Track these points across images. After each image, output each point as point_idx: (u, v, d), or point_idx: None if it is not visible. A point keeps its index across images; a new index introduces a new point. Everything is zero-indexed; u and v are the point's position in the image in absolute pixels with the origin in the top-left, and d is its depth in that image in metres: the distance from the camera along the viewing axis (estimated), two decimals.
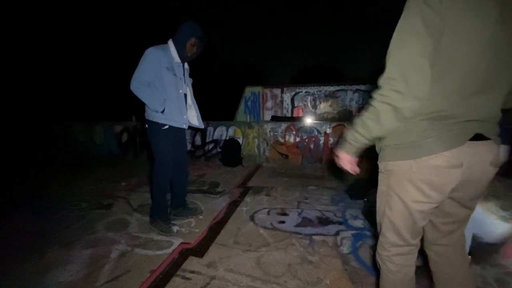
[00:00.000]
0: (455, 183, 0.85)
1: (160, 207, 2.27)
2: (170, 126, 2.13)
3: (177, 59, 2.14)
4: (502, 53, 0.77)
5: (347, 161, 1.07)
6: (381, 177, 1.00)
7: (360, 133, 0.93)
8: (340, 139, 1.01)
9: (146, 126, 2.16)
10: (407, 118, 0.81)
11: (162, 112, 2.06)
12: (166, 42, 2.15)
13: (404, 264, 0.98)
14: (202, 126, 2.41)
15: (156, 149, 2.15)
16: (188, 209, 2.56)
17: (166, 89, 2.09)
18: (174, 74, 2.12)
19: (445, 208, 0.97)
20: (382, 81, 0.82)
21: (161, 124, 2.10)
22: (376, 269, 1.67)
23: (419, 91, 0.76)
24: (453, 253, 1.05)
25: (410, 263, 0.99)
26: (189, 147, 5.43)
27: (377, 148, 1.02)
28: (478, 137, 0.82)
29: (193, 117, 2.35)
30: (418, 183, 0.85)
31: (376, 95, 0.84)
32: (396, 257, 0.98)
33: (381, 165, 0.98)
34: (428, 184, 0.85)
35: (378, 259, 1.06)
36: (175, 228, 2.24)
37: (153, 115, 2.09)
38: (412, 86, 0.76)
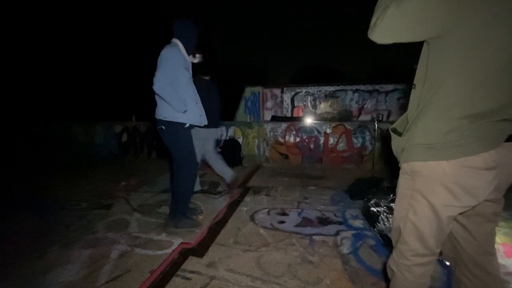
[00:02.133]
0: (490, 186, 0.80)
1: (186, 205, 2.28)
2: (190, 125, 2.15)
3: (187, 57, 2.16)
4: None
5: None
6: (403, 179, 0.94)
7: None
8: None
9: (163, 127, 2.10)
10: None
11: (184, 112, 2.07)
12: (168, 42, 2.14)
13: (423, 274, 0.93)
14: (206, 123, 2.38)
15: (181, 147, 2.16)
16: (188, 209, 2.56)
17: (185, 89, 2.11)
18: (190, 74, 2.17)
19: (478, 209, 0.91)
20: None
21: (182, 123, 2.10)
22: (376, 269, 1.68)
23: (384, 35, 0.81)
24: (491, 281, 0.96)
25: (429, 273, 0.95)
26: None
27: (396, 148, 0.97)
28: (510, 138, 0.80)
29: (203, 114, 2.35)
30: (451, 185, 0.80)
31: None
32: (416, 267, 0.92)
33: (405, 166, 0.92)
34: (462, 186, 0.80)
35: (393, 267, 0.99)
36: (200, 219, 2.38)
37: (173, 116, 2.06)
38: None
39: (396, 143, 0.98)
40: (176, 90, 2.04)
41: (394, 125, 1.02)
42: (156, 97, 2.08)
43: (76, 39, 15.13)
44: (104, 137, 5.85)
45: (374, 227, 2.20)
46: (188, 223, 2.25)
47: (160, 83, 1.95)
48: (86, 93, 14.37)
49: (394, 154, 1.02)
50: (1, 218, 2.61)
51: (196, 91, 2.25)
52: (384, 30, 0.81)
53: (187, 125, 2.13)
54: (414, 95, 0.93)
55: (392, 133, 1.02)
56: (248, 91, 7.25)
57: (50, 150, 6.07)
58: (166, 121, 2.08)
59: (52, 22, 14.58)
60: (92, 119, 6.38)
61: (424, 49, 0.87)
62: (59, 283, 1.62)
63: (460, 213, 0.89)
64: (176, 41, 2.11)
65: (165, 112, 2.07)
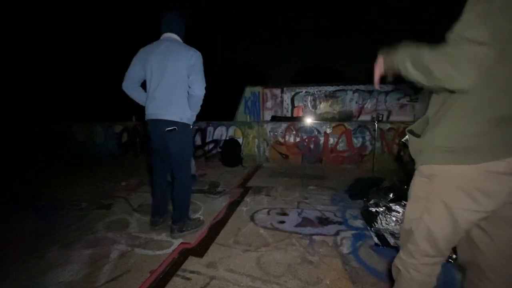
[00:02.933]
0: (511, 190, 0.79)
1: (189, 207, 2.26)
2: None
3: None
4: None
5: (379, 68, 1.01)
6: (419, 181, 0.93)
7: (408, 62, 0.82)
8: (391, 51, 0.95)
9: (175, 128, 2.01)
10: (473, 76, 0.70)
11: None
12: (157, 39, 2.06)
13: (430, 274, 0.94)
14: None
15: (188, 150, 2.18)
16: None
17: None
18: None
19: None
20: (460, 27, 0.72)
21: (189, 124, 2.11)
22: (376, 269, 1.68)
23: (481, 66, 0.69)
24: None
25: (436, 273, 0.95)
26: None
27: (414, 150, 0.96)
28: None
29: None
30: (472, 190, 0.79)
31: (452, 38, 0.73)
32: (424, 267, 0.93)
33: (423, 168, 0.90)
34: (482, 191, 0.79)
35: (399, 266, 0.99)
36: (201, 217, 2.42)
37: (187, 118, 2.04)
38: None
39: (413, 144, 0.97)
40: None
41: (411, 127, 1.01)
42: (175, 97, 1.99)
43: (76, 39, 15.14)
44: (104, 137, 5.86)
45: (371, 226, 2.20)
46: (193, 225, 2.24)
47: (203, 89, 2.01)
48: (86, 93, 14.37)
49: (412, 155, 1.01)
50: (1, 218, 2.60)
51: None
52: (473, 68, 0.71)
53: (191, 126, 2.15)
54: (436, 97, 0.91)
55: (409, 134, 1.01)
56: (248, 91, 7.25)
57: (50, 150, 6.07)
58: (181, 122, 2.02)
59: (52, 22, 14.58)
60: (92, 119, 6.39)
61: None
62: (59, 283, 1.62)
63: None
64: (175, 37, 2.05)
65: (183, 113, 2.02)
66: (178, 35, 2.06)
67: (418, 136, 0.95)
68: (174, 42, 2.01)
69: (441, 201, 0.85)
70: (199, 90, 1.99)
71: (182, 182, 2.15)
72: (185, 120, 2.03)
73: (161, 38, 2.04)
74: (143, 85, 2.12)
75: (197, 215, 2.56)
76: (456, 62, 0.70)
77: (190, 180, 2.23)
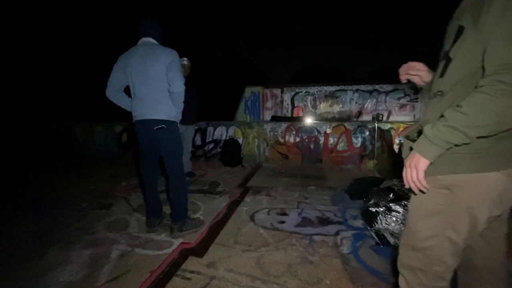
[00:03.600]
0: None
1: (187, 207, 2.27)
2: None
3: None
4: None
5: (422, 170, 0.79)
6: (436, 194, 0.83)
7: (461, 130, 0.69)
8: (408, 138, 0.88)
9: (164, 127, 2.06)
10: None
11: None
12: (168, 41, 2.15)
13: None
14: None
15: (179, 148, 2.19)
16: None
17: None
18: None
19: None
20: (500, 66, 0.65)
21: (176, 122, 2.16)
22: (376, 269, 1.67)
23: None
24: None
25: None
26: None
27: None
28: None
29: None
30: (496, 197, 0.75)
31: (493, 82, 0.66)
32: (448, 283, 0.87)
33: (441, 178, 0.81)
34: (503, 197, 0.76)
35: None
36: (201, 217, 2.43)
37: (173, 115, 2.10)
38: None
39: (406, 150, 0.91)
40: None
41: (408, 133, 0.96)
42: (159, 97, 2.04)
43: (76, 39, 15.14)
44: (104, 137, 5.86)
45: (371, 226, 2.20)
46: (193, 224, 2.24)
47: (182, 89, 2.04)
48: (87, 93, 14.37)
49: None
50: (1, 218, 2.60)
51: None
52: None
53: (178, 124, 2.20)
54: (441, 102, 0.83)
55: (406, 141, 0.94)
56: (248, 91, 7.25)
57: (50, 150, 6.07)
58: (168, 120, 2.07)
59: (53, 22, 14.58)
60: (92, 119, 6.39)
61: (467, 52, 0.77)
62: (59, 283, 1.62)
63: None
64: (152, 40, 2.11)
65: (169, 111, 2.07)
66: (155, 38, 2.12)
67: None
68: (150, 45, 2.07)
69: (467, 213, 0.78)
70: (179, 86, 2.03)
71: (176, 181, 2.17)
72: (172, 118, 2.09)
73: (138, 43, 2.11)
74: (126, 91, 2.20)
75: (197, 215, 2.56)
76: None
77: (184, 178, 2.24)
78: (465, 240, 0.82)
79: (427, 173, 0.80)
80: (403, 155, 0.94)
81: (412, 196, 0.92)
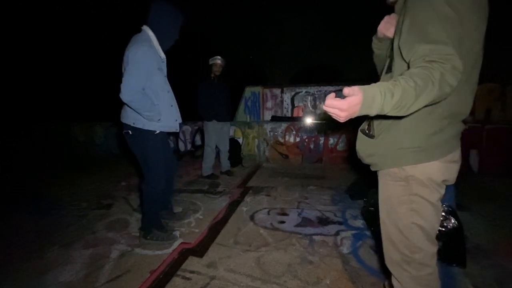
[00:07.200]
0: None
1: (155, 217, 2.08)
2: (160, 132, 1.90)
3: (161, 53, 1.85)
4: (480, 51, 0.82)
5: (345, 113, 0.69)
6: (397, 186, 0.91)
7: (396, 102, 0.67)
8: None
9: (129, 132, 1.83)
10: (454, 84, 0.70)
11: (158, 120, 1.83)
12: (139, 31, 1.81)
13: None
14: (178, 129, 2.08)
15: (148, 157, 1.90)
16: (173, 214, 2.48)
17: (159, 93, 1.83)
18: (163, 74, 1.90)
19: None
20: (424, 50, 0.71)
21: (152, 130, 1.84)
22: (376, 269, 1.67)
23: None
24: None
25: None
26: (189, 147, 5.43)
27: (367, 151, 0.98)
28: None
29: (179, 117, 2.06)
30: (440, 180, 0.87)
31: (423, 63, 0.70)
32: (435, 269, 0.92)
33: (396, 171, 0.90)
34: (445, 179, 0.88)
35: (416, 285, 0.91)
36: (177, 234, 2.13)
37: (142, 122, 1.80)
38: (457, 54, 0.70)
39: (366, 146, 0.99)
40: (149, 97, 1.76)
41: (363, 126, 1.03)
42: None
43: (76, 38, 15.14)
44: (104, 137, 5.86)
45: (371, 226, 2.20)
46: (159, 236, 2.04)
47: (130, 92, 1.64)
48: (86, 93, 14.38)
49: (360, 154, 1.04)
50: (1, 218, 2.61)
51: (171, 91, 1.99)
52: (455, 75, 0.70)
53: (157, 132, 1.87)
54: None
55: (362, 135, 1.02)
56: (248, 91, 7.24)
57: (50, 150, 6.07)
58: (133, 126, 1.81)
59: (52, 21, 14.59)
60: (92, 119, 6.39)
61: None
62: (59, 283, 1.62)
63: None
64: (147, 31, 1.78)
65: (135, 118, 1.80)
66: (152, 27, 1.79)
67: (372, 136, 0.96)
68: (136, 35, 1.79)
69: (423, 199, 0.87)
70: (121, 92, 1.64)
71: (144, 190, 2.00)
72: (139, 126, 1.80)
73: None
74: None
75: (197, 215, 2.55)
76: (443, 81, 0.68)
77: (153, 193, 1.98)
78: (434, 223, 0.90)
79: (385, 167, 0.93)
80: (361, 151, 1.03)
81: (379, 192, 1.01)
